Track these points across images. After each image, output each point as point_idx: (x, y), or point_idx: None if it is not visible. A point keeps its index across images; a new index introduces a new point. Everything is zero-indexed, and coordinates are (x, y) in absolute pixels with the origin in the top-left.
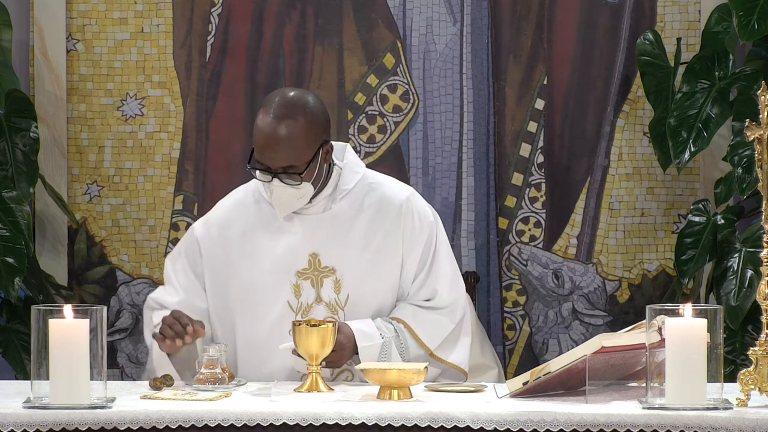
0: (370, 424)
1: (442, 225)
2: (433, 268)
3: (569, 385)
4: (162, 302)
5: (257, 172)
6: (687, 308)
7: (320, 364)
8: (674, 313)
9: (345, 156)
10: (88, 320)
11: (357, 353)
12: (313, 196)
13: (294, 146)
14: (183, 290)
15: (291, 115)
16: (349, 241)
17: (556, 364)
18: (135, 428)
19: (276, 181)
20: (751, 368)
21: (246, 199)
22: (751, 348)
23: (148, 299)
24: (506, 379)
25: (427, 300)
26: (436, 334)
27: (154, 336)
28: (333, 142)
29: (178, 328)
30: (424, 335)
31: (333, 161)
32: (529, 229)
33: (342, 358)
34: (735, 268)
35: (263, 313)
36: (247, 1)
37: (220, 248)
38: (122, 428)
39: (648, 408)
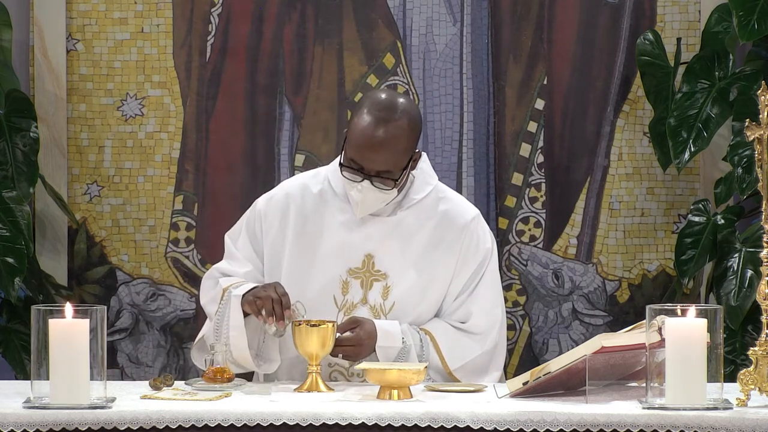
0: (370, 424)
1: (497, 254)
2: (474, 293)
3: (569, 385)
4: (229, 273)
5: (346, 172)
6: (687, 308)
7: (337, 355)
8: (674, 313)
9: (420, 164)
10: (88, 320)
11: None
12: None
13: (395, 151)
14: (248, 260)
15: (394, 118)
16: (407, 250)
17: (556, 364)
18: (135, 428)
19: (366, 183)
20: (751, 368)
21: (311, 184)
22: (751, 348)
23: (212, 270)
24: (506, 379)
25: (462, 322)
26: (460, 355)
27: (246, 301)
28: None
29: (279, 310)
30: (448, 353)
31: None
32: (529, 229)
33: (359, 354)
34: (735, 268)
35: (307, 303)
36: (247, 1)
37: (278, 225)
38: (122, 428)
39: (648, 408)
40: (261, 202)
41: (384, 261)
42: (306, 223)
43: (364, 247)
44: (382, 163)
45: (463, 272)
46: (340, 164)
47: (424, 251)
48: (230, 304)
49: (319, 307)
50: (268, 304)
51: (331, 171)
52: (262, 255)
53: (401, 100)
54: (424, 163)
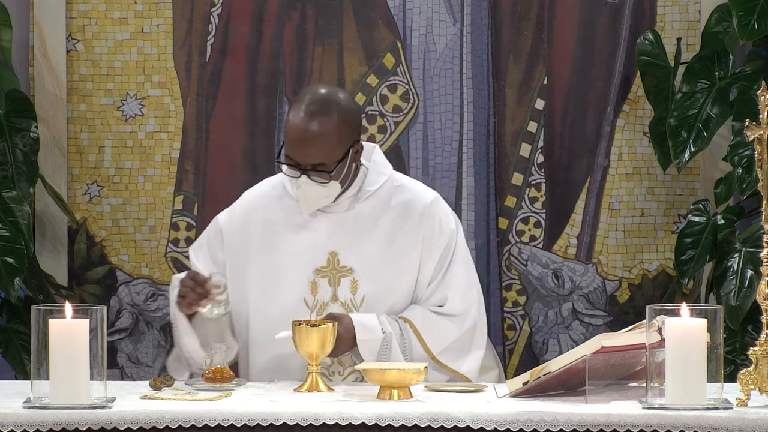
0: (370, 424)
1: (463, 234)
2: (447, 275)
3: (569, 385)
4: None
5: (285, 167)
6: (687, 308)
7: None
8: (674, 313)
9: (372, 156)
10: (88, 320)
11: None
12: (339, 195)
13: (326, 144)
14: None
15: (325, 112)
16: (369, 242)
17: (556, 364)
18: (135, 428)
19: (304, 177)
20: (751, 368)
21: (271, 192)
22: (751, 348)
23: (174, 279)
24: (506, 379)
25: (439, 306)
26: (442, 338)
27: (179, 306)
28: (362, 143)
29: (200, 290)
30: (429, 338)
31: (360, 161)
32: (529, 229)
33: (338, 348)
34: (735, 268)
35: (278, 307)
36: (247, 1)
37: (241, 238)
38: (122, 428)
39: (648, 408)
40: (222, 217)
41: (348, 256)
42: (267, 230)
43: (327, 245)
44: (314, 157)
45: (431, 257)
46: (278, 161)
47: (386, 241)
48: (174, 316)
49: (292, 311)
50: (189, 294)
51: (285, 175)
52: (223, 267)
53: (333, 93)
54: (377, 155)
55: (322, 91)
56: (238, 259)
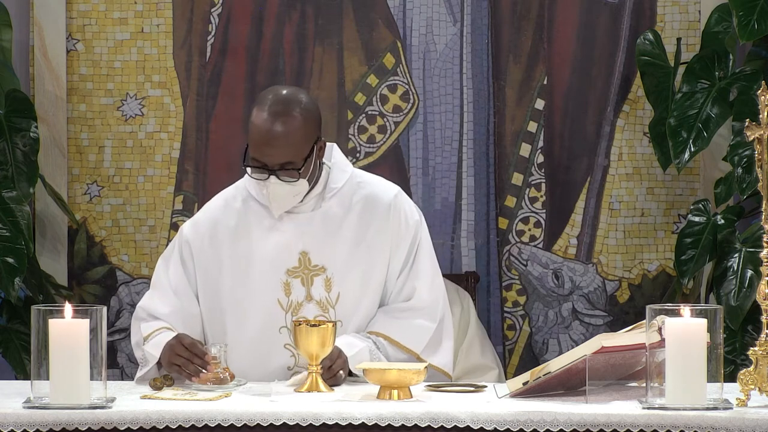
0: (370, 424)
1: (426, 225)
2: (414, 267)
3: (569, 385)
4: (153, 312)
5: (252, 171)
6: (687, 308)
7: (319, 363)
8: (674, 313)
9: (333, 155)
10: (88, 320)
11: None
12: (305, 195)
13: (291, 142)
14: (174, 294)
15: (287, 111)
16: (338, 239)
17: (556, 364)
18: (135, 428)
19: (273, 178)
20: (751, 368)
21: (234, 198)
22: (751, 348)
23: (138, 309)
24: (506, 379)
25: (408, 300)
26: (421, 337)
27: (169, 369)
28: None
29: (199, 362)
30: (408, 341)
31: (322, 160)
32: (529, 229)
33: (345, 371)
34: (735, 268)
35: (253, 311)
36: (247, 1)
37: (209, 248)
38: (122, 428)
39: (648, 408)
40: (186, 228)
41: (319, 255)
42: (236, 237)
43: (297, 246)
44: (281, 156)
45: (399, 250)
46: (244, 165)
47: (355, 236)
48: (147, 365)
49: (267, 314)
50: (188, 366)
51: (247, 180)
52: (194, 281)
53: (293, 92)
54: (337, 153)
55: (283, 92)
56: (209, 270)
